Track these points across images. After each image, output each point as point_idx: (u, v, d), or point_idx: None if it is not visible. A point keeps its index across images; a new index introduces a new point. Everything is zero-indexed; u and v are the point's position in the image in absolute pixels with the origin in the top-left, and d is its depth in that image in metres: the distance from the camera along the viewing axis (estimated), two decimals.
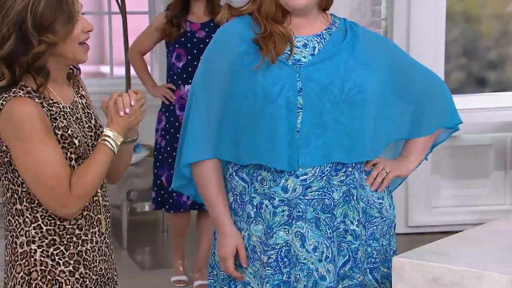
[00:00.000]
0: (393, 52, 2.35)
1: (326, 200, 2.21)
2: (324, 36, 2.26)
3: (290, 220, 2.21)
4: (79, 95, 2.26)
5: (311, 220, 2.21)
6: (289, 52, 2.20)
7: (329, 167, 2.21)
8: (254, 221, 2.24)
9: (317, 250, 2.21)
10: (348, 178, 2.23)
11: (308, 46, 2.23)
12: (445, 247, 2.01)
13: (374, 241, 2.28)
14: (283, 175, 2.20)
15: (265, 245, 2.22)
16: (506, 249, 1.97)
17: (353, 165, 2.24)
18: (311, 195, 2.20)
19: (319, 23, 2.26)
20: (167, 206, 4.38)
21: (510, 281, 1.77)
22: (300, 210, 2.20)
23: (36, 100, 2.09)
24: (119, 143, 2.14)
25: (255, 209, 2.23)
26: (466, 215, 5.25)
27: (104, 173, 2.14)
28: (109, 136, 2.13)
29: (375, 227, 2.28)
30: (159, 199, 4.42)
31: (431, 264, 1.88)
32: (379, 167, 2.30)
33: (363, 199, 2.26)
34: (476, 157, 5.36)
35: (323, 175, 2.21)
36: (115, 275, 2.31)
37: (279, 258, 2.21)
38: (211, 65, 2.27)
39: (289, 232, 2.21)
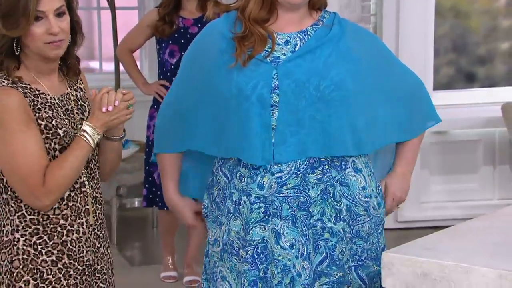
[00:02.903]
0: (381, 52, 2.35)
1: (302, 197, 2.22)
2: (309, 33, 2.26)
3: (266, 217, 2.22)
4: (75, 87, 2.27)
5: (287, 217, 2.22)
6: (269, 50, 2.21)
7: (304, 165, 2.21)
8: (233, 216, 2.26)
9: (294, 247, 2.22)
10: (325, 176, 2.23)
11: (289, 43, 2.24)
12: (434, 242, 2.01)
13: (359, 239, 2.28)
14: (259, 172, 2.21)
15: (243, 240, 2.23)
16: (495, 244, 1.98)
17: (329, 163, 2.24)
18: (287, 192, 2.21)
19: (306, 20, 2.27)
20: (160, 204, 4.37)
21: (499, 275, 1.78)
22: (276, 207, 2.22)
23: (20, 90, 2.11)
24: (97, 139, 2.15)
25: (234, 205, 2.26)
26: (455, 210, 5.27)
27: (80, 167, 2.14)
28: (86, 131, 2.14)
29: (360, 225, 2.28)
30: (150, 196, 4.41)
31: (420, 259, 1.88)
32: (393, 206, 2.39)
33: (346, 196, 2.26)
34: (465, 152, 5.38)
35: (299, 172, 2.21)
36: (106, 268, 2.30)
37: (255, 255, 2.22)
38: (193, 62, 2.31)
39: (265, 229, 2.22)
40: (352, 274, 2.29)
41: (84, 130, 2.14)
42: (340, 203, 2.25)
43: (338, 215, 2.25)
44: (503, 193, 5.38)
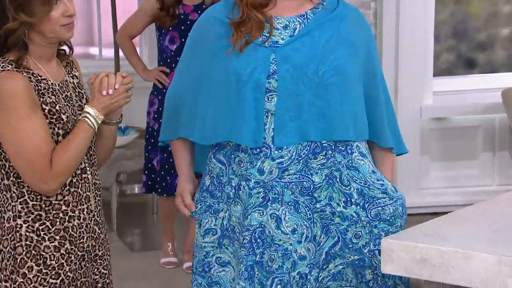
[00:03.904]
0: (373, 51, 2.33)
1: (305, 183, 2.22)
2: (308, 16, 2.24)
3: (265, 202, 2.22)
4: (71, 75, 2.27)
5: (289, 203, 2.21)
6: (267, 35, 2.21)
7: (306, 150, 2.21)
8: (233, 201, 2.26)
9: (296, 232, 2.22)
10: (329, 161, 2.23)
11: (288, 28, 2.23)
12: (433, 228, 2.02)
13: (381, 222, 2.25)
14: (259, 157, 2.21)
15: (241, 226, 2.24)
16: (494, 229, 1.99)
17: (333, 147, 2.23)
18: (289, 178, 2.21)
19: (305, 5, 2.26)
20: (159, 190, 4.38)
21: (498, 261, 1.79)
22: (277, 192, 2.21)
23: (25, 74, 2.11)
24: (99, 121, 2.16)
25: (234, 190, 2.25)
26: (454, 196, 5.28)
27: (83, 150, 2.15)
28: (89, 113, 2.15)
29: (380, 208, 2.26)
30: (150, 182, 4.42)
31: (420, 245, 1.89)
32: None
33: (356, 180, 2.24)
34: (465, 138, 5.38)
35: (300, 158, 2.21)
36: (107, 254, 2.32)
37: (253, 239, 2.22)
38: (192, 49, 2.32)
39: (263, 214, 2.22)
40: (377, 258, 2.25)
41: (87, 112, 2.15)
42: (349, 187, 2.24)
43: (348, 199, 2.24)
44: (503, 179, 5.39)
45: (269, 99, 2.20)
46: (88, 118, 2.15)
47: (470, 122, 5.36)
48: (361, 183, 2.25)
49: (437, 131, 5.36)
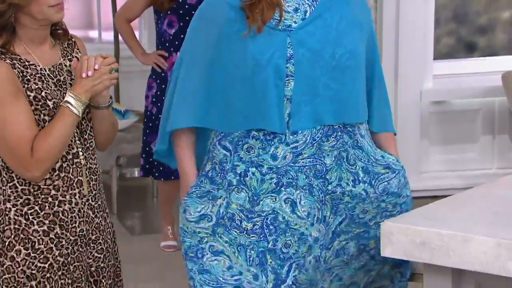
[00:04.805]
0: (374, 34, 2.35)
1: (318, 166, 2.23)
2: None
3: (278, 188, 2.22)
4: (69, 57, 2.25)
5: (304, 187, 2.22)
6: (278, 18, 2.20)
7: (320, 134, 2.22)
8: (236, 189, 2.23)
9: (310, 215, 2.22)
10: (339, 142, 2.24)
11: (299, 11, 2.22)
12: (433, 212, 2.02)
13: (389, 196, 2.31)
14: (272, 143, 2.20)
15: (249, 212, 2.22)
16: (493, 212, 1.99)
17: (342, 129, 2.25)
18: (303, 162, 2.21)
19: None
20: (156, 174, 4.38)
21: (497, 244, 1.79)
22: (291, 177, 2.21)
23: (8, 61, 2.10)
24: (82, 107, 2.13)
25: (238, 177, 2.23)
26: (454, 179, 5.28)
27: (67, 135, 2.13)
28: (69, 101, 2.12)
29: (385, 183, 2.30)
30: (147, 166, 4.42)
31: (420, 228, 1.89)
32: None
33: (361, 159, 2.28)
34: (465, 122, 5.38)
35: (314, 142, 2.21)
36: (103, 238, 2.30)
37: (264, 225, 2.21)
38: (199, 35, 2.28)
39: (276, 200, 2.22)
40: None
41: (67, 101, 2.12)
42: (355, 166, 2.27)
43: (356, 178, 2.27)
44: (502, 162, 5.39)
45: (286, 84, 2.19)
46: (68, 106, 2.12)
47: (470, 106, 5.35)
48: (365, 161, 2.29)
49: (437, 115, 5.36)
